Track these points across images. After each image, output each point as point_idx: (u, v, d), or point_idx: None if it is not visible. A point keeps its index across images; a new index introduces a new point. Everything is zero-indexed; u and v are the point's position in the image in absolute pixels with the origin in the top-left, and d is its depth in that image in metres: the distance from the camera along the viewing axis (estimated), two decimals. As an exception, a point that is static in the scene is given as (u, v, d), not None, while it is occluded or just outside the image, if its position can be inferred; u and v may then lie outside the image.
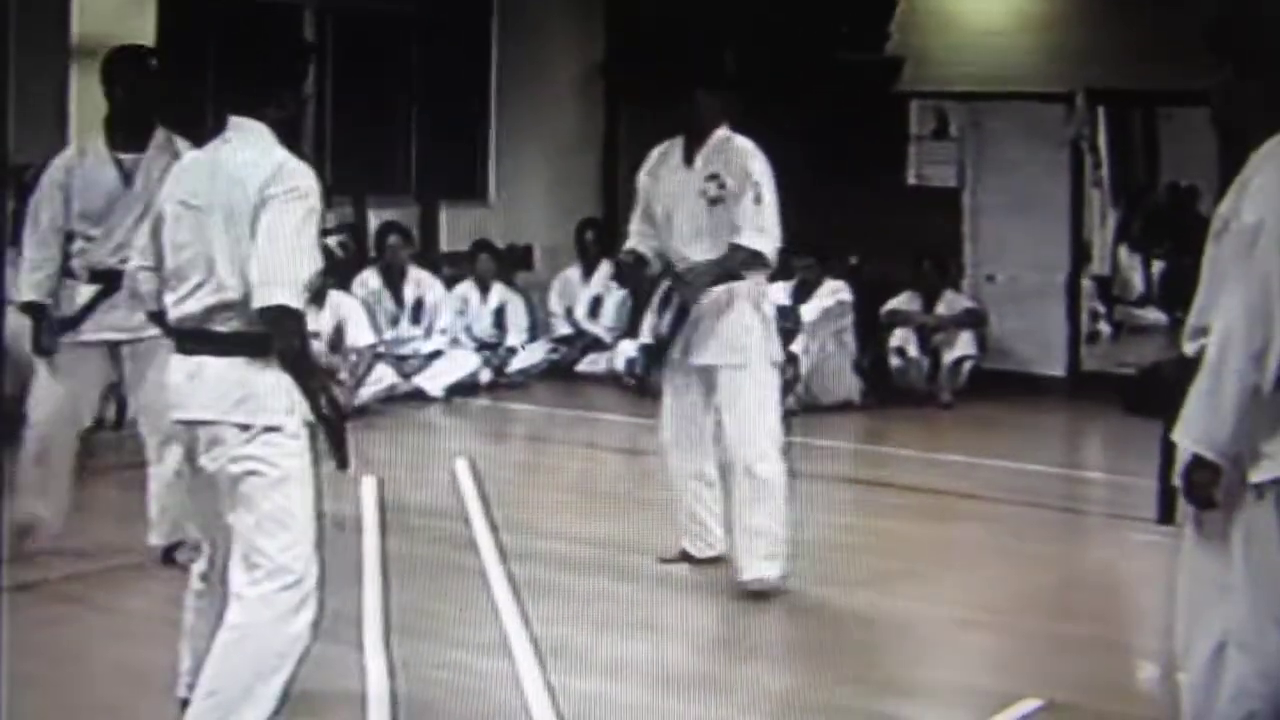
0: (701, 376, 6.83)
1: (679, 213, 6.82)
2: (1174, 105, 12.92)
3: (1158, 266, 14.66)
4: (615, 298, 12.49)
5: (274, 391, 4.56)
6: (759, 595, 6.65)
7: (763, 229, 6.65)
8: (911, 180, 13.01)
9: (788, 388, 11.37)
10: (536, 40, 13.36)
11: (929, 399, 11.92)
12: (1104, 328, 13.74)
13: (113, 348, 7.05)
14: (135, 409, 7.26)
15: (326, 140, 12.49)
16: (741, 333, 6.76)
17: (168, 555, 7.06)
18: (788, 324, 11.52)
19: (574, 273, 13.05)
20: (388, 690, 5.58)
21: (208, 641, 4.67)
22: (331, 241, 11.91)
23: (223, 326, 4.59)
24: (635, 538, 6.77)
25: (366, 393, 11.01)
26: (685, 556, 7.06)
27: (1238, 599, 4.19)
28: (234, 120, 4.70)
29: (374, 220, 12.21)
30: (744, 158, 6.70)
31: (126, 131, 7.09)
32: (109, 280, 6.87)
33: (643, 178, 7.10)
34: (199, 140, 5.14)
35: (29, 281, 7.03)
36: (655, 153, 7.07)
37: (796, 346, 11.51)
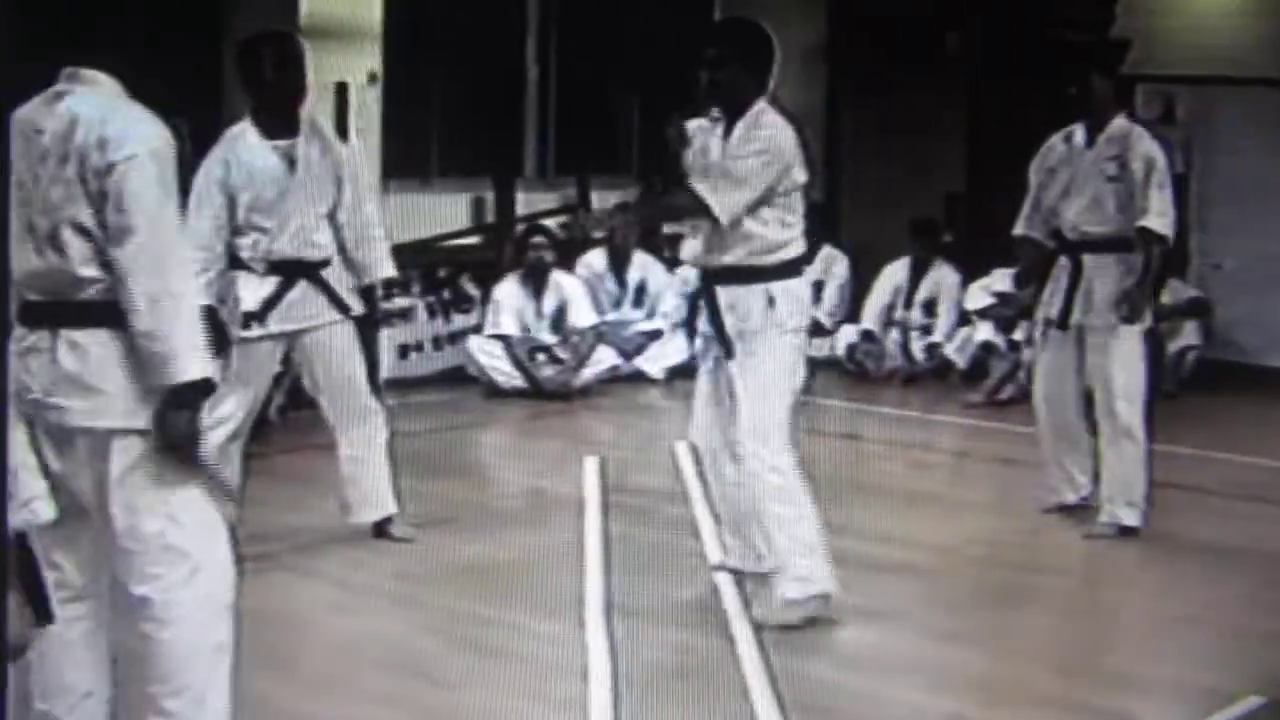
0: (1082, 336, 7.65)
1: (1080, 190, 7.58)
2: None
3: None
4: (836, 283, 12.40)
5: None
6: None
7: (1164, 213, 7.43)
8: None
9: (1009, 377, 11.31)
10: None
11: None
12: (1337, 316, 13.38)
13: (290, 337, 7.02)
14: (314, 391, 7.18)
15: (550, 121, 12.64)
16: (1124, 299, 7.51)
17: (379, 530, 7.19)
18: (1009, 311, 11.42)
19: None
20: (609, 668, 5.67)
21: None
22: (553, 223, 12.02)
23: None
24: (851, 523, 6.79)
25: (588, 374, 11.14)
26: (1060, 507, 7.88)
27: None
28: None
29: (596, 201, 12.28)
30: (1147, 144, 7.50)
31: (276, 117, 6.97)
32: (289, 270, 6.95)
33: (1036, 164, 7.80)
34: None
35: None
36: (1055, 139, 7.77)
37: (1020, 334, 11.36)
